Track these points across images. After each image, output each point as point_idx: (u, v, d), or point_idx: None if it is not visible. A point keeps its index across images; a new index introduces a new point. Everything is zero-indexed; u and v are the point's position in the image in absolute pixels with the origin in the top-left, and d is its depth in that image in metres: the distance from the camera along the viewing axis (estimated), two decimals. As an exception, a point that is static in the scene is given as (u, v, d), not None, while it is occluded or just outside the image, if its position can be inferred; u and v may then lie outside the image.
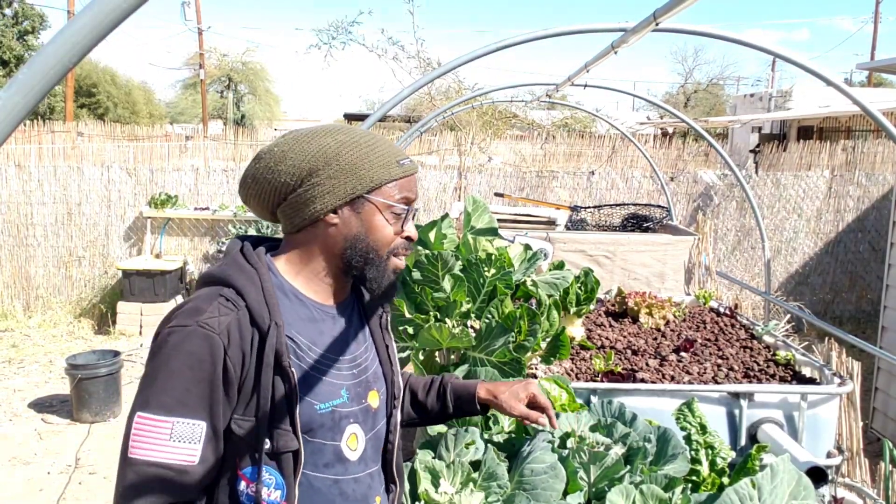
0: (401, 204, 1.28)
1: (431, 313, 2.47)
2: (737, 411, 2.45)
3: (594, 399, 2.29)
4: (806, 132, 12.73)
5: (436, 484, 1.72)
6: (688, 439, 1.96)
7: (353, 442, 1.29)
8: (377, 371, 1.38)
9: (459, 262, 2.55)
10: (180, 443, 1.12)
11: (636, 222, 4.99)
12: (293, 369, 1.18)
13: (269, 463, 1.18)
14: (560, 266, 2.98)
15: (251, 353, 1.17)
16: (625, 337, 3.23)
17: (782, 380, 2.70)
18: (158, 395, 1.13)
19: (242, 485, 1.19)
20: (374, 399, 1.35)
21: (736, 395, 2.45)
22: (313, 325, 1.27)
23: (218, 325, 1.16)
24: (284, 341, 1.19)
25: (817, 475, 2.03)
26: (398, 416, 1.41)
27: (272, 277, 1.26)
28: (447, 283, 2.50)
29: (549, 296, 2.71)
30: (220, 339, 1.15)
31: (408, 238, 1.32)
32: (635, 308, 3.46)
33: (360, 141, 1.26)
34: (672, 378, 2.69)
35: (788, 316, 5.61)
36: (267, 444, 1.18)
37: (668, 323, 3.43)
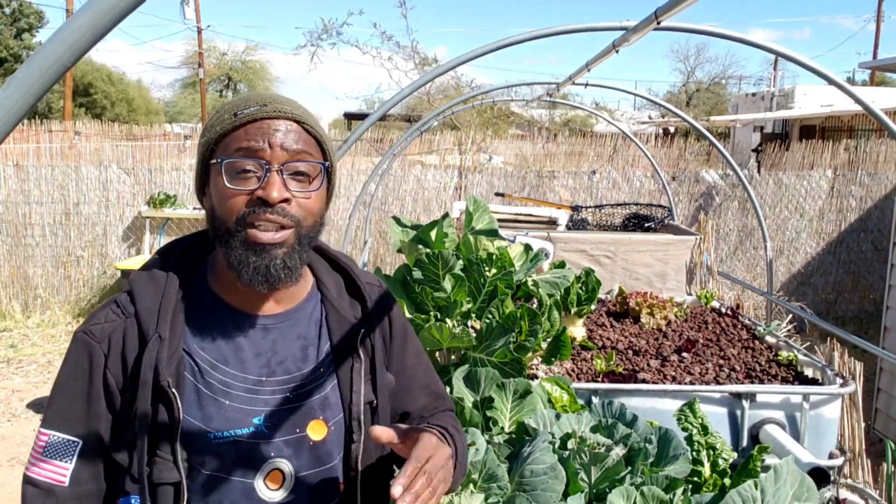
0: (237, 158, 1.03)
1: (432, 313, 2.46)
2: (738, 412, 2.44)
3: (595, 400, 2.28)
4: (808, 131, 12.73)
5: (436, 485, 1.71)
6: (689, 440, 1.95)
7: (277, 480, 1.08)
8: (329, 397, 1.14)
9: (460, 262, 2.54)
10: (52, 459, 1.04)
11: (637, 222, 4.98)
12: (174, 390, 1.02)
13: (147, 494, 1.03)
14: (561, 266, 2.98)
15: (133, 368, 1.04)
16: (626, 337, 3.22)
17: (784, 380, 2.70)
18: (48, 407, 1.07)
19: None
20: (318, 430, 1.12)
21: (738, 396, 2.45)
22: (229, 339, 1.09)
23: (100, 333, 1.05)
24: (175, 356, 1.04)
25: (819, 476, 2.02)
26: (359, 452, 1.13)
27: (188, 285, 1.11)
28: (448, 283, 2.50)
29: (550, 296, 2.71)
30: (100, 349, 1.05)
31: (260, 200, 1.02)
32: (637, 308, 3.45)
33: (218, 108, 1.10)
34: (673, 378, 2.68)
35: (790, 316, 5.60)
36: (144, 472, 1.03)
37: (669, 323, 3.42)
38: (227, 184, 1.03)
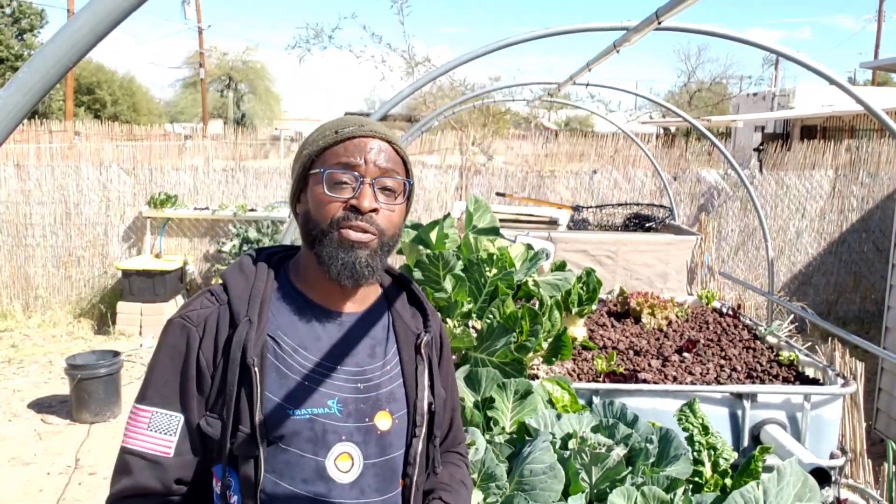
0: (336, 169, 1.17)
1: (433, 313, 2.46)
2: (739, 412, 2.44)
3: (596, 400, 2.28)
4: (809, 131, 12.72)
5: (437, 485, 1.71)
6: (690, 440, 1.95)
7: (346, 462, 1.19)
8: (395, 391, 1.25)
9: (461, 262, 2.54)
10: (157, 433, 1.15)
11: (638, 222, 4.98)
12: (257, 369, 1.13)
13: (232, 465, 1.15)
14: (562, 266, 2.98)
15: (224, 349, 1.16)
16: (627, 337, 3.22)
17: (785, 380, 2.69)
18: (146, 387, 1.19)
19: (214, 482, 1.18)
20: (384, 420, 1.22)
21: (739, 396, 2.44)
22: (309, 328, 1.21)
23: (196, 318, 1.18)
24: (260, 339, 1.15)
25: (820, 476, 2.02)
26: (419, 447, 1.24)
27: (274, 281, 1.24)
28: (448, 283, 2.50)
29: (551, 296, 2.71)
30: (196, 331, 1.17)
31: (353, 208, 1.17)
32: (637, 308, 3.45)
33: (319, 126, 1.26)
34: (674, 379, 2.68)
35: (792, 316, 5.60)
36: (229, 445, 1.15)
37: (670, 323, 3.42)
38: (325, 191, 1.17)
